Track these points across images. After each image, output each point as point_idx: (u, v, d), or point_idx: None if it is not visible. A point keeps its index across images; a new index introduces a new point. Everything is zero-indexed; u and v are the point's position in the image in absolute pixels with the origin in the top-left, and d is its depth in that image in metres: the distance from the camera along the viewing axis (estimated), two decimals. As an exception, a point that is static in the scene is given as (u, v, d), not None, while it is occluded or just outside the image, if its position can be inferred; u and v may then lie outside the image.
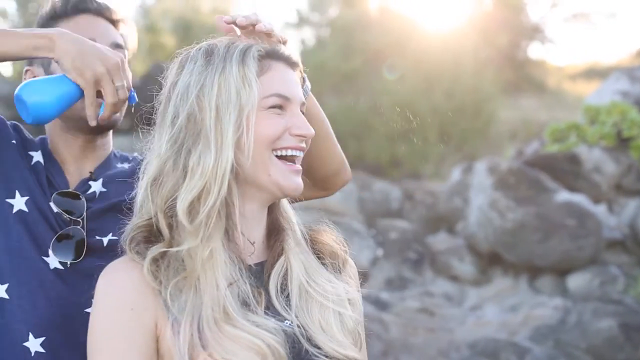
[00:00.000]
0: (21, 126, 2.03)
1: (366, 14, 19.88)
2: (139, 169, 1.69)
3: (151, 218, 1.63)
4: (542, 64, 24.37)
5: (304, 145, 1.69)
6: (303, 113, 1.71)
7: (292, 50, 1.73)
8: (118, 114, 2.00)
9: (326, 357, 1.62)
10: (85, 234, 1.94)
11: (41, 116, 1.76)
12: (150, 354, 1.56)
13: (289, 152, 1.67)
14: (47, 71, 2.02)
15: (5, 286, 1.89)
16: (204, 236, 1.58)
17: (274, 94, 1.65)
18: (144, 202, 1.64)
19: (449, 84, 16.65)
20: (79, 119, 1.94)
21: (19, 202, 1.93)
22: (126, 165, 2.11)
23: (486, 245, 8.11)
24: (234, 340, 1.52)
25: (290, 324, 1.62)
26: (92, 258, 1.92)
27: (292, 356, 1.57)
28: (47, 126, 2.06)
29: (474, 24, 20.01)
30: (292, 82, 1.69)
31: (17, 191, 1.93)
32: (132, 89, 1.86)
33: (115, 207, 1.96)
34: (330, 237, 1.81)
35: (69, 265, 1.92)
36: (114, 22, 2.12)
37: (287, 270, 1.69)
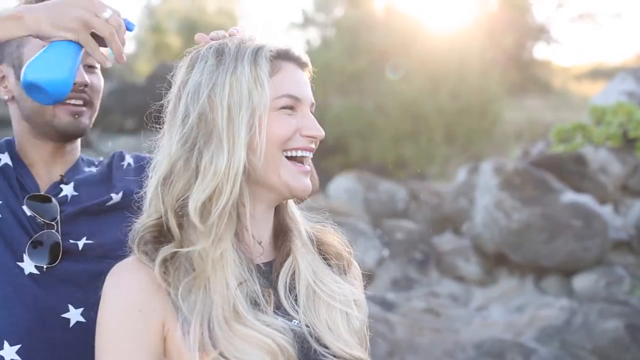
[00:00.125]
0: None
1: (372, 14, 19.89)
2: (148, 167, 1.69)
3: (160, 217, 1.63)
4: (547, 65, 24.37)
5: (313, 146, 1.70)
6: (312, 114, 1.71)
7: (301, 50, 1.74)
8: (87, 122, 1.98)
9: (334, 356, 1.62)
10: (60, 237, 1.91)
11: (61, 92, 1.68)
12: (157, 354, 1.56)
13: (299, 153, 1.66)
14: (18, 70, 1.95)
15: None
16: (216, 237, 1.58)
17: (285, 95, 1.65)
18: (153, 200, 1.64)
19: (454, 85, 16.66)
20: (50, 127, 1.93)
21: None
22: (94, 169, 2.09)
23: (492, 246, 8.11)
24: (245, 339, 1.52)
25: (298, 324, 1.62)
26: (67, 262, 1.89)
27: (301, 355, 1.58)
28: (15, 129, 2.02)
29: (480, 24, 20.01)
30: (302, 82, 1.69)
31: None
32: (121, 15, 1.76)
33: (87, 211, 1.95)
34: (335, 239, 1.81)
35: (44, 269, 1.88)
36: None
37: (294, 270, 1.69)
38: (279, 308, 1.63)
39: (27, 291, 1.86)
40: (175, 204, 1.61)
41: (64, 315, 1.85)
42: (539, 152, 9.21)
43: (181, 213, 1.61)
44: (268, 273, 1.68)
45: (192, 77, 1.64)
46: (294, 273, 1.69)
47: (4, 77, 2.01)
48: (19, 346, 1.84)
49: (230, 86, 1.61)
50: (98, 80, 2.01)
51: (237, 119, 1.59)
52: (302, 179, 1.67)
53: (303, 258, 1.70)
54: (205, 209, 1.58)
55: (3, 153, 1.97)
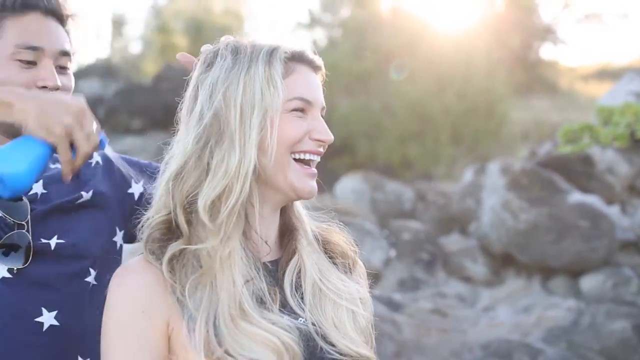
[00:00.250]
0: None
1: (378, 14, 19.90)
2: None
3: (169, 214, 1.63)
4: (554, 65, 24.36)
5: (322, 150, 1.70)
6: (322, 117, 1.71)
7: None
8: None
9: (340, 354, 1.62)
10: (30, 237, 1.85)
11: (20, 188, 1.60)
12: (162, 352, 1.57)
13: (307, 156, 1.67)
14: None
15: None
16: (225, 236, 1.58)
17: (297, 97, 1.65)
18: (163, 196, 1.64)
19: (461, 85, 16.66)
20: (11, 124, 1.88)
21: None
22: (59, 166, 2.00)
23: (499, 246, 8.10)
24: (250, 337, 1.53)
25: (304, 322, 1.62)
26: (39, 264, 1.84)
27: (307, 353, 1.58)
28: None
29: (486, 25, 20.01)
30: (315, 86, 1.70)
31: None
32: (101, 132, 1.72)
33: (57, 209, 1.90)
34: (341, 238, 1.82)
35: (15, 272, 1.82)
36: (62, 19, 1.97)
37: (300, 268, 1.70)
38: (285, 306, 1.63)
39: None
40: (184, 200, 1.61)
41: (37, 320, 1.82)
42: (546, 152, 9.19)
43: (190, 210, 1.61)
44: (274, 271, 1.69)
45: (210, 75, 1.64)
46: (299, 271, 1.69)
47: None
48: None
49: (244, 85, 1.61)
50: (69, 81, 1.95)
51: (249, 119, 1.60)
52: (308, 181, 1.68)
53: (309, 256, 1.71)
54: (214, 208, 1.59)
55: None
